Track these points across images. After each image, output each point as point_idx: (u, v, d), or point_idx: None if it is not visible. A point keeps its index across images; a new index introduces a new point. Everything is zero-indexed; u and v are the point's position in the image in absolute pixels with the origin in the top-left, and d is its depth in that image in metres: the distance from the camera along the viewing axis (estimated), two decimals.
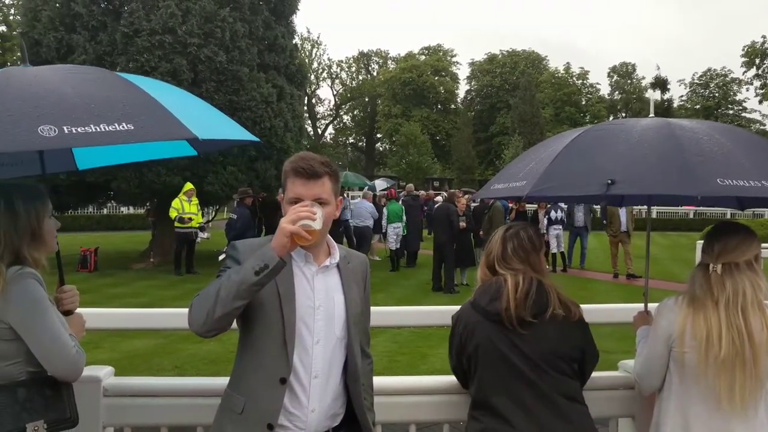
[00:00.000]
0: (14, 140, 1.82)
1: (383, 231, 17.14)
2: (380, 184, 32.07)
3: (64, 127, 1.89)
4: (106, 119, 1.97)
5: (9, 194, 2.28)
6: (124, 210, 30.10)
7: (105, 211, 29.33)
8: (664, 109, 42.81)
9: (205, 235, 16.13)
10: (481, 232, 14.27)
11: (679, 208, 33.09)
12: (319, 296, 2.23)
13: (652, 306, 2.93)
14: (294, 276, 2.20)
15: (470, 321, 2.57)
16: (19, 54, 25.21)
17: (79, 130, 1.90)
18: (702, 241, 2.71)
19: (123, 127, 1.96)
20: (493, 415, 2.46)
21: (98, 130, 1.93)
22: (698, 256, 2.75)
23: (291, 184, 2.19)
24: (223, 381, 2.45)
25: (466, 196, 15.05)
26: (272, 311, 2.15)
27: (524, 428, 2.41)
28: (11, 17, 38.90)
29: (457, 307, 3.53)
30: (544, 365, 2.46)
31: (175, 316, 3.88)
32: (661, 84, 46.80)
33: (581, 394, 2.56)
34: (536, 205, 17.06)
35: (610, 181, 2.22)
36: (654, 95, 43.51)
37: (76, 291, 2.55)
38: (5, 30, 38.96)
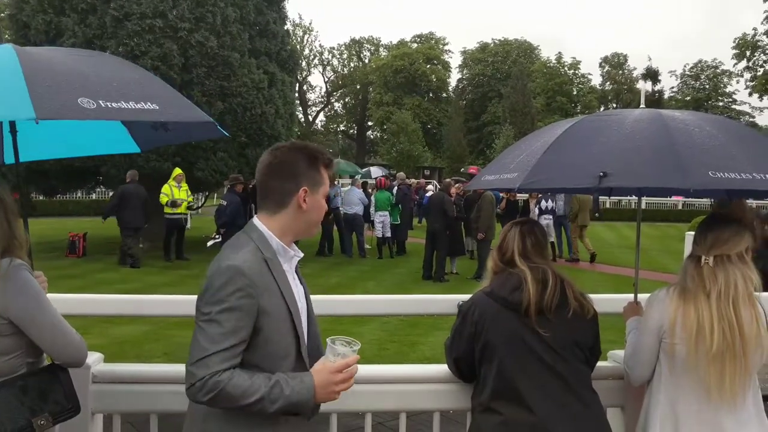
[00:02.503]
0: (60, 109, 1.87)
1: (371, 219, 17.14)
2: (376, 171, 32.03)
3: (101, 101, 1.95)
4: (131, 98, 2.05)
5: None
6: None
7: (94, 196, 29.13)
8: (655, 101, 42.88)
9: (189, 213, 16.08)
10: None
11: (668, 198, 33.29)
12: (300, 292, 2.20)
13: (642, 297, 2.95)
14: (288, 280, 2.13)
15: (488, 310, 2.57)
16: (7, 36, 24.93)
17: (113, 105, 1.97)
18: (691, 232, 2.72)
19: (149, 106, 2.05)
20: (516, 404, 2.48)
21: (129, 107, 2.01)
22: (687, 247, 2.76)
23: (325, 177, 2.17)
24: None
25: (457, 185, 15.06)
26: (287, 330, 2.08)
27: (547, 415, 2.44)
28: None
29: (450, 296, 3.53)
30: (565, 353, 2.52)
31: (165, 303, 3.87)
32: (652, 75, 46.88)
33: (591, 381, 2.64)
34: (527, 195, 17.08)
35: (602, 174, 2.22)
36: (645, 86, 43.56)
37: (44, 277, 2.51)
38: None
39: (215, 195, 25.15)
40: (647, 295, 2.71)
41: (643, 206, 3.50)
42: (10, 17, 16.99)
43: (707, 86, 57.90)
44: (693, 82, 58.84)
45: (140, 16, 15.51)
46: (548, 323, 2.51)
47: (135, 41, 15.42)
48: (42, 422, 2.18)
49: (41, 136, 3.04)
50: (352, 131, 69.17)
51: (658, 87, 47.44)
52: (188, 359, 1.92)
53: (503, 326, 2.53)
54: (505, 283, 2.60)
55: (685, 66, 59.61)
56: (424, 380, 2.97)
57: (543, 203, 16.01)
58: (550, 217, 15.96)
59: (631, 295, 3.19)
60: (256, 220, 2.13)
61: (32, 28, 15.96)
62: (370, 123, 65.19)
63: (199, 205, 21.17)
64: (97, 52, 2.55)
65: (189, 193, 15.48)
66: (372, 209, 16.97)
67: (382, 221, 16.67)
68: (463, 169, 31.20)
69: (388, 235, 16.81)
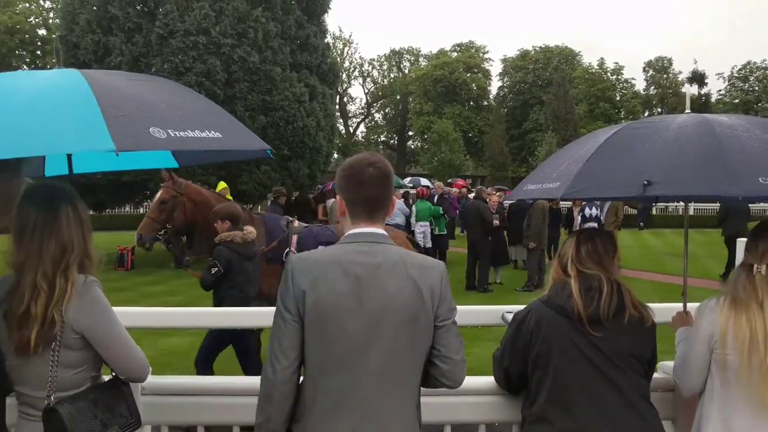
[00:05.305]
0: (136, 140, 1.92)
1: (412, 230, 17.10)
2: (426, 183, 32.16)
3: (169, 131, 1.99)
4: (196, 126, 2.10)
5: (71, 197, 2.29)
6: None
7: (141, 210, 29.73)
8: (702, 104, 41.92)
9: None
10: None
11: (717, 204, 32.35)
12: None
13: (691, 306, 2.88)
14: None
15: (544, 317, 2.54)
16: None
17: (180, 134, 2.02)
18: (744, 239, 2.65)
19: (213, 134, 2.11)
20: (567, 414, 2.44)
21: (195, 135, 2.06)
22: (739, 255, 2.69)
23: None
24: (258, 380, 2.45)
25: (498, 194, 14.92)
26: None
27: (598, 426, 2.40)
28: (50, 21, 39.86)
29: (494, 306, 3.50)
30: (622, 364, 2.46)
31: (212, 315, 3.94)
32: (698, 78, 45.84)
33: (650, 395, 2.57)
34: (571, 203, 16.87)
35: (646, 182, 2.18)
36: (690, 90, 42.58)
37: None
38: (45, 33, 39.92)
39: (259, 207, 25.46)
40: (697, 305, 2.65)
41: (691, 212, 3.42)
42: (61, 38, 17.57)
43: (757, 88, 56.32)
44: (741, 84, 57.34)
45: (184, 33, 15.86)
46: (605, 332, 2.45)
47: (179, 58, 15.77)
48: None
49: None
50: (392, 141, 69.27)
51: (704, 90, 46.40)
52: (457, 354, 2.18)
53: (559, 334, 2.49)
54: (562, 290, 2.56)
55: (733, 68, 58.11)
56: (470, 392, 2.93)
57: (587, 210, 15.72)
58: (595, 225, 15.69)
59: (680, 304, 3.11)
60: (380, 230, 2.19)
61: (81, 48, 16.46)
62: (410, 133, 65.21)
63: None
64: (155, 77, 2.60)
65: None
66: (413, 219, 16.93)
67: (423, 231, 16.60)
68: (450, 180, 30.66)
69: (429, 245, 16.73)
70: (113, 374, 2.34)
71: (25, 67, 39.00)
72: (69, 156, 2.69)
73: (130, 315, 3.73)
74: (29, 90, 2.11)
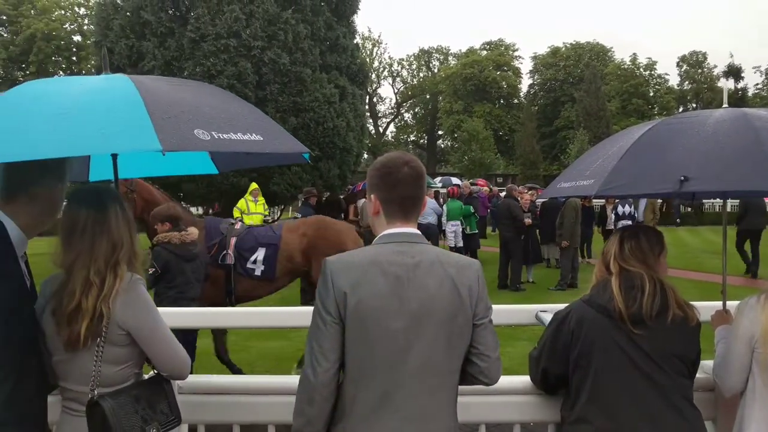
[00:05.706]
0: (180, 141, 1.95)
1: (443, 229, 17.05)
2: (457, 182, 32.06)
3: (213, 133, 2.03)
4: (239, 128, 2.13)
5: (118, 197, 2.36)
6: (192, 210, 30.86)
7: None
8: (738, 99, 41.10)
9: None
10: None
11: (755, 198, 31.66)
12: None
13: (731, 304, 2.83)
14: None
15: (585, 317, 2.50)
16: (93, 62, 26.19)
17: (224, 136, 2.06)
18: None
19: (255, 137, 2.14)
20: (608, 414, 2.41)
21: (237, 138, 2.09)
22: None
23: None
24: (293, 379, 2.47)
25: (530, 192, 14.81)
26: None
27: (640, 426, 2.37)
28: (85, 27, 40.66)
29: (528, 306, 3.49)
30: (664, 365, 2.41)
31: (245, 315, 3.95)
32: (734, 72, 44.95)
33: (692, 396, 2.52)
34: (604, 200, 16.69)
35: (683, 178, 2.14)
36: (727, 84, 41.74)
37: None
38: (80, 39, 40.73)
39: (290, 208, 25.65)
40: (736, 303, 2.60)
41: (728, 209, 3.36)
42: (96, 44, 17.95)
43: None
44: None
45: (216, 37, 16.05)
46: (647, 331, 2.41)
47: (211, 61, 15.96)
48: (153, 431, 2.28)
49: (129, 156, 3.17)
50: (422, 141, 69.23)
51: (741, 84, 45.47)
52: (493, 352, 2.18)
53: (600, 334, 2.45)
54: (604, 290, 2.52)
55: None
56: (505, 392, 2.91)
57: (620, 208, 15.53)
58: (629, 222, 15.48)
59: (719, 303, 3.06)
60: (415, 230, 2.20)
61: (116, 53, 16.74)
62: (440, 132, 65.11)
63: (275, 218, 21.63)
64: (196, 81, 2.64)
65: (266, 206, 15.85)
66: (444, 219, 16.88)
67: (454, 231, 16.54)
68: (472, 181, 30.44)
69: (461, 244, 16.66)
70: (154, 371, 2.39)
71: (61, 72, 39.86)
72: (114, 161, 2.74)
73: (165, 315, 3.78)
74: (80, 93, 2.17)
